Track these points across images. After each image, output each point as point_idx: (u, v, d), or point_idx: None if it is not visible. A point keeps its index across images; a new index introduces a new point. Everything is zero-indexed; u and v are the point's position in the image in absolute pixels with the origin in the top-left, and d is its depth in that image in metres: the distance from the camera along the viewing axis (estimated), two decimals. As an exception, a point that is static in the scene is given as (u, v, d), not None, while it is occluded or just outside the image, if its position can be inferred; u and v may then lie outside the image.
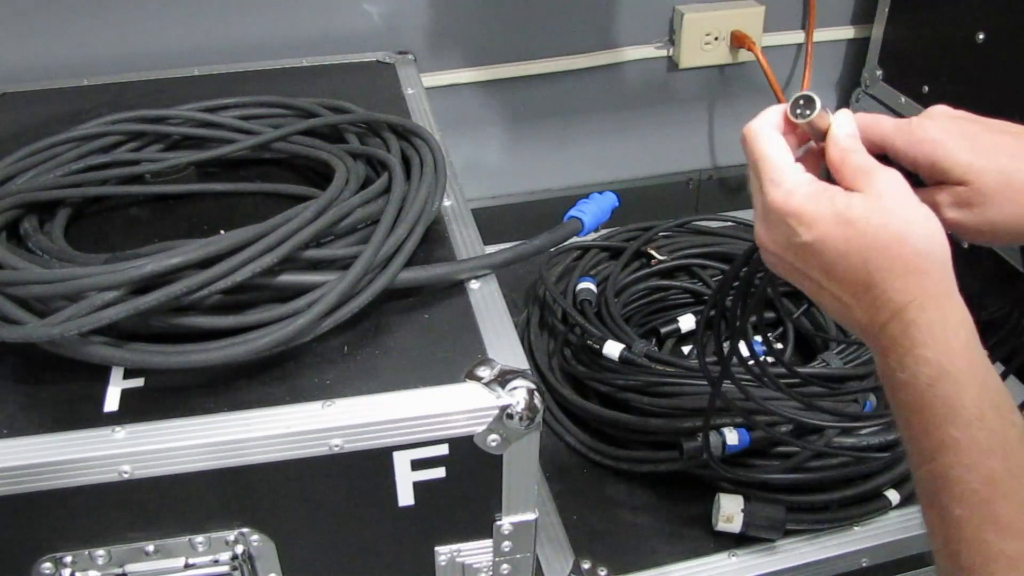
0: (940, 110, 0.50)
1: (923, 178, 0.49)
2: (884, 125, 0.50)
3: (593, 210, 0.73)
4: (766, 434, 0.76)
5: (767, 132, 0.49)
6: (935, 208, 0.49)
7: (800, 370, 0.87)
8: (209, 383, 0.57)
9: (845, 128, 0.49)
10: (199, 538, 0.57)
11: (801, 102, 0.49)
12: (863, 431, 0.79)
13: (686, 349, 0.98)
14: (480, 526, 0.62)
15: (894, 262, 0.45)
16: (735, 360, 0.65)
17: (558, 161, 1.27)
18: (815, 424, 0.75)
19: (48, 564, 0.56)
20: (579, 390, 0.89)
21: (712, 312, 0.65)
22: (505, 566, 0.64)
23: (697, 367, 0.84)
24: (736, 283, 0.61)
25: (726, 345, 0.66)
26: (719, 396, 0.67)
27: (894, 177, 0.47)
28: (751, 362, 0.66)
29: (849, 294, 0.47)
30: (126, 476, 0.53)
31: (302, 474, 0.56)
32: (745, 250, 0.59)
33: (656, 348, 0.93)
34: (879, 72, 1.21)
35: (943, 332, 0.44)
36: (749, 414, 0.74)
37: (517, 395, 0.55)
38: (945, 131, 0.49)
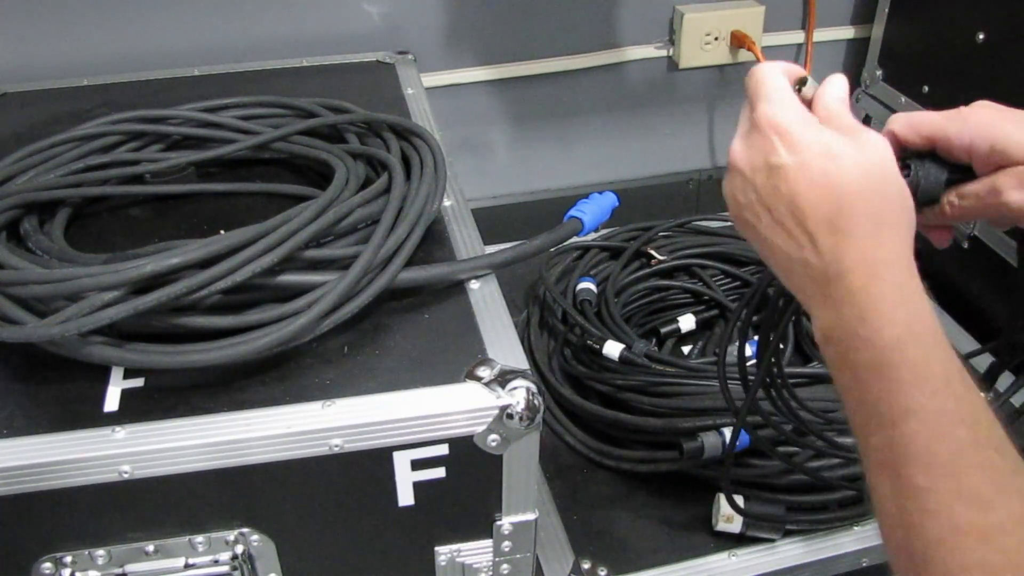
0: (984, 103, 0.50)
1: (978, 165, 0.49)
2: (932, 116, 0.50)
3: (593, 210, 0.73)
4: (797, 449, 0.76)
5: (776, 71, 0.50)
6: (995, 194, 0.48)
7: (799, 371, 0.87)
8: (209, 383, 0.56)
9: (836, 92, 0.50)
10: (199, 538, 0.57)
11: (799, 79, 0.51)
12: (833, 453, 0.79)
13: (686, 349, 0.98)
14: (480, 526, 0.62)
15: (870, 211, 0.44)
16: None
17: (558, 161, 1.27)
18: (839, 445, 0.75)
19: (48, 564, 0.56)
20: (579, 390, 0.89)
21: (738, 324, 0.64)
22: (505, 566, 0.64)
23: (696, 367, 0.84)
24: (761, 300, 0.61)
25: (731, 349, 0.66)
26: (757, 410, 0.66)
27: (884, 142, 0.47)
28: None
29: (807, 233, 0.45)
30: (126, 476, 0.53)
31: (302, 474, 0.56)
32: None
33: (656, 348, 0.94)
34: (879, 72, 1.21)
35: (912, 295, 0.43)
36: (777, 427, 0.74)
37: (517, 395, 0.55)
38: (999, 115, 0.49)
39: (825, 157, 0.45)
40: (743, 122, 0.50)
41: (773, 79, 0.49)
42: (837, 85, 0.50)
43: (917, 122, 0.50)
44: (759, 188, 0.47)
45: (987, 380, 0.61)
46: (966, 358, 0.45)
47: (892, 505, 0.41)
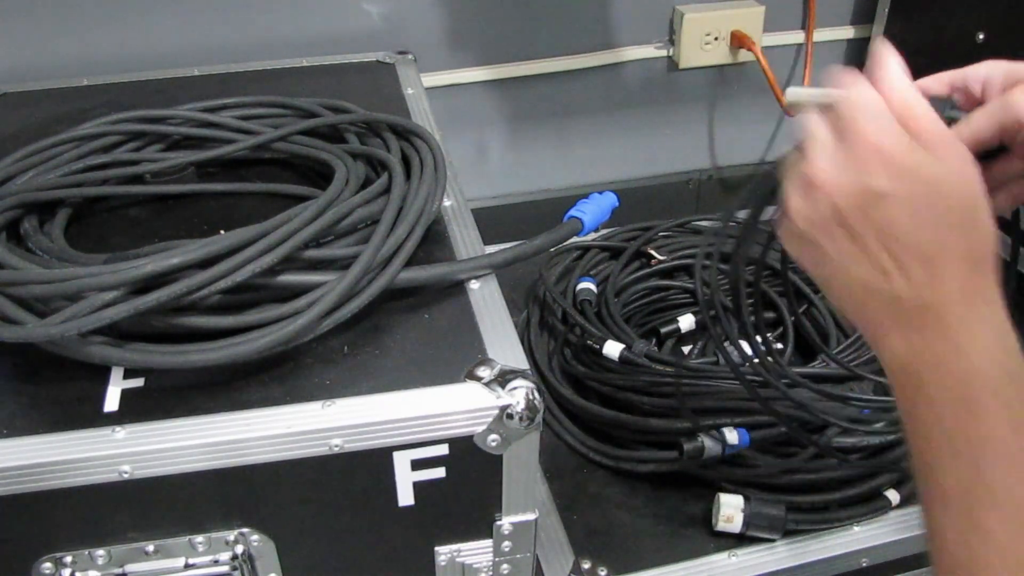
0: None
1: (990, 96, 0.48)
2: (952, 70, 0.50)
3: (593, 210, 0.73)
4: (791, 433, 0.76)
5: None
6: (1007, 107, 0.46)
7: (801, 371, 0.87)
8: (209, 383, 0.56)
9: (900, 73, 0.46)
10: (199, 538, 0.57)
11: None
12: (862, 431, 0.79)
13: (686, 349, 0.98)
14: (480, 526, 0.62)
15: (970, 245, 0.43)
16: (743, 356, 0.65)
17: (558, 161, 1.27)
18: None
19: (48, 564, 0.56)
20: (579, 390, 0.89)
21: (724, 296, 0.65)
22: (505, 566, 0.64)
23: (696, 367, 0.84)
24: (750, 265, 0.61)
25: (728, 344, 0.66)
26: (755, 395, 0.66)
27: (974, 163, 0.45)
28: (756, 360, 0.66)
29: (897, 261, 0.44)
30: (126, 476, 0.53)
31: (302, 474, 0.56)
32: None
33: (656, 348, 0.93)
34: (879, 72, 1.21)
35: (1008, 332, 0.43)
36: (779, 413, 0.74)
37: (517, 395, 0.55)
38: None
39: (929, 187, 0.43)
40: (823, 135, 0.46)
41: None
42: (897, 64, 0.46)
43: (938, 76, 0.51)
44: (844, 210, 0.45)
45: None
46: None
47: (956, 545, 0.41)
